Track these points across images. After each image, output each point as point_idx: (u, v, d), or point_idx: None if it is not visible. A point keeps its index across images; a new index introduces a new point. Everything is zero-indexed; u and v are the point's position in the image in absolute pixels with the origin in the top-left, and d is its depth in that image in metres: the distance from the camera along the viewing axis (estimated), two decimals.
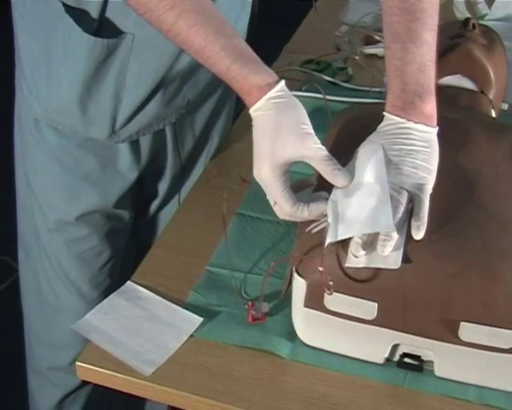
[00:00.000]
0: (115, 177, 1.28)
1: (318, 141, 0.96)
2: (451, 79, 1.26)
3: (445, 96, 1.24)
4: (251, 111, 0.98)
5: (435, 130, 1.00)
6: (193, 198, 1.27)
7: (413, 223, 0.94)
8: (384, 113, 1.02)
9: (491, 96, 1.25)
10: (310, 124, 0.97)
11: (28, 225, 1.34)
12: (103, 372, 0.99)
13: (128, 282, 1.10)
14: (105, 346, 1.01)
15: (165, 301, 1.07)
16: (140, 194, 1.35)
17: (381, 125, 1.02)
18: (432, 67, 1.03)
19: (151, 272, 1.12)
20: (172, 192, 1.38)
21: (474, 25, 1.28)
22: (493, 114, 1.25)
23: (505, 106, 1.31)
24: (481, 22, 1.36)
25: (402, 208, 0.95)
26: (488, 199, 1.01)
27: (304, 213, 0.96)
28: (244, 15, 1.30)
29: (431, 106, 1.01)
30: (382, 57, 1.58)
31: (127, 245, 1.39)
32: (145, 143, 1.27)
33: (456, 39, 1.26)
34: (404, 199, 0.95)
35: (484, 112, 1.23)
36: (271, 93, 0.97)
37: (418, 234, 0.94)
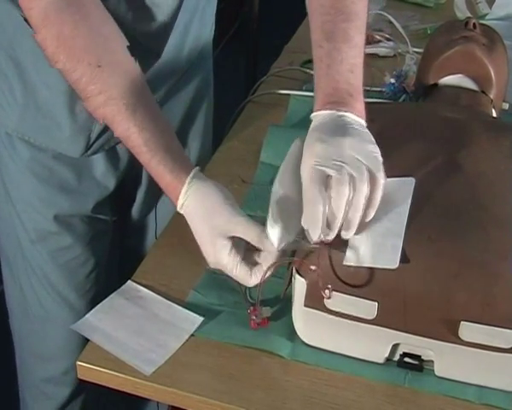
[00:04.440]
0: (92, 184, 1.26)
1: (240, 211, 0.99)
2: (452, 79, 1.26)
3: (446, 95, 1.25)
4: (178, 211, 1.02)
5: (365, 124, 0.99)
6: None
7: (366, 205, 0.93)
8: (312, 114, 0.99)
9: (491, 96, 1.25)
10: (229, 197, 1.00)
11: (10, 239, 1.31)
12: (104, 372, 0.99)
13: (128, 281, 1.10)
14: (105, 345, 1.01)
15: (165, 300, 1.07)
16: (120, 199, 1.34)
17: (313, 125, 0.99)
18: (361, 70, 1.02)
19: (151, 272, 1.12)
20: (151, 198, 1.37)
21: (474, 24, 1.28)
22: (494, 114, 1.25)
23: (506, 105, 1.31)
24: (482, 22, 1.36)
25: (365, 188, 0.91)
26: (489, 198, 1.01)
27: (262, 277, 0.98)
28: (210, 8, 1.32)
29: (361, 105, 1.00)
30: (383, 57, 1.59)
31: (110, 251, 1.38)
32: (122, 151, 1.26)
33: (457, 39, 1.26)
34: (364, 175, 0.92)
35: (485, 111, 1.23)
36: (185, 188, 1.00)
37: (367, 218, 0.93)
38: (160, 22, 1.15)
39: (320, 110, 0.99)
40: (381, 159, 0.95)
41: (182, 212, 1.02)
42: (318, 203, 0.91)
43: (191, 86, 1.34)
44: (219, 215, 0.99)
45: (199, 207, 1.00)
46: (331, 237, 0.93)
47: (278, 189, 0.99)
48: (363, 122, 0.99)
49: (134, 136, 1.01)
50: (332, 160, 0.92)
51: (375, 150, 0.95)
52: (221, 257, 0.99)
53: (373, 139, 0.97)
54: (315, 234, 0.92)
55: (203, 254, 1.01)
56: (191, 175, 1.01)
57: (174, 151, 1.03)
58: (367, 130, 0.98)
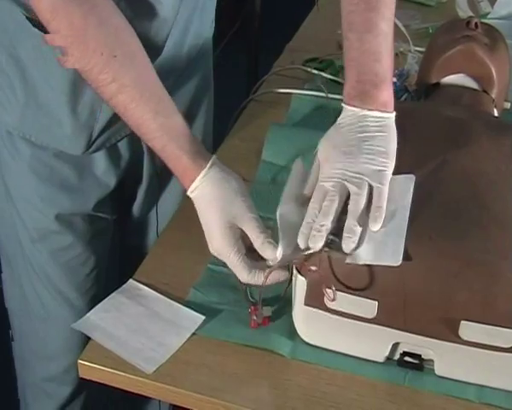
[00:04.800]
0: (93, 182, 1.26)
1: (254, 210, 1.01)
2: (454, 78, 1.26)
3: (448, 95, 1.25)
4: (189, 193, 1.02)
5: (391, 115, 1.01)
6: None
7: (371, 214, 0.95)
8: (342, 104, 1.03)
9: (493, 96, 1.25)
10: (246, 191, 1.02)
11: (11, 238, 1.31)
12: (105, 370, 1.00)
13: (130, 280, 1.10)
14: (107, 344, 1.01)
15: (166, 299, 1.07)
16: (121, 197, 1.34)
17: (340, 117, 1.03)
18: (388, 57, 1.03)
19: (152, 270, 1.12)
20: (152, 196, 1.37)
21: (476, 23, 1.28)
22: (496, 113, 1.25)
23: (508, 105, 1.31)
24: (484, 21, 1.36)
25: (363, 200, 0.95)
26: (489, 198, 1.01)
27: (260, 280, 0.99)
28: (210, 3, 1.32)
29: (386, 94, 1.01)
30: None
31: (111, 250, 1.38)
32: (123, 148, 1.26)
33: (459, 38, 1.26)
34: (363, 190, 0.96)
35: (486, 111, 1.23)
36: (204, 172, 1.01)
37: (375, 225, 0.95)
38: (161, 19, 1.15)
39: (346, 104, 1.03)
40: (388, 172, 0.98)
41: (192, 195, 1.02)
42: (310, 217, 0.96)
43: (191, 84, 1.34)
44: (237, 204, 1.00)
45: (215, 191, 1.01)
46: (313, 243, 0.94)
47: (284, 212, 1.00)
48: (387, 115, 1.01)
49: (148, 122, 1.01)
50: (334, 177, 0.98)
51: (383, 162, 0.98)
52: (226, 244, 1.00)
53: (388, 145, 0.99)
54: (301, 242, 0.96)
55: (206, 239, 1.02)
56: (211, 161, 1.02)
57: (189, 137, 1.04)
58: (386, 132, 1.00)
